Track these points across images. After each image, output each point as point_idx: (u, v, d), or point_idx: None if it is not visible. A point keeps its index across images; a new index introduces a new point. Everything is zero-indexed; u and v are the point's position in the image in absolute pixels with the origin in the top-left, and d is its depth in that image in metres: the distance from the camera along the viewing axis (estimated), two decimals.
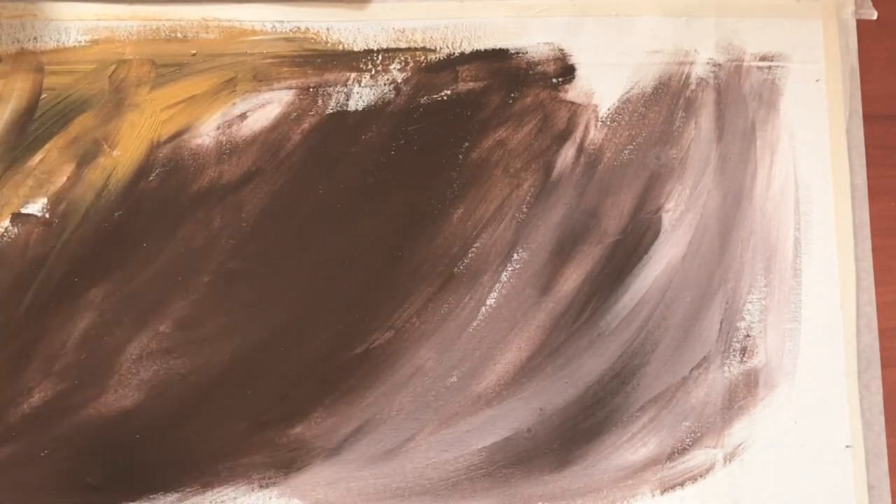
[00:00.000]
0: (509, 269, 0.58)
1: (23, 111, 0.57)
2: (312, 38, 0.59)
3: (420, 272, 0.58)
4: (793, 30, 0.61)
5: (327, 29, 0.59)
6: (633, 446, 0.57)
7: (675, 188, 0.59)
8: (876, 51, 0.61)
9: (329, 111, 0.59)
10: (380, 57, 0.59)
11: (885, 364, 0.58)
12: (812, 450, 0.57)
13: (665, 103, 0.60)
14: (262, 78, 0.59)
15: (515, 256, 0.58)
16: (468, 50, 0.60)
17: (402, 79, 0.59)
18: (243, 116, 0.58)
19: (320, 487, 0.56)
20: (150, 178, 0.57)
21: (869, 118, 0.60)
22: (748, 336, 0.58)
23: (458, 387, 0.57)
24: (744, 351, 0.58)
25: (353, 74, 0.59)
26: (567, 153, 0.59)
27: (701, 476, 0.57)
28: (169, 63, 0.58)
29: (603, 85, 0.60)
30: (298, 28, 0.59)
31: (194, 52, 0.58)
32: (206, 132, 0.58)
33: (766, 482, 0.57)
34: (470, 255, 0.58)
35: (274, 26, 0.59)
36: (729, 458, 0.57)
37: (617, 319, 0.58)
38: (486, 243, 0.58)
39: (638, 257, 0.59)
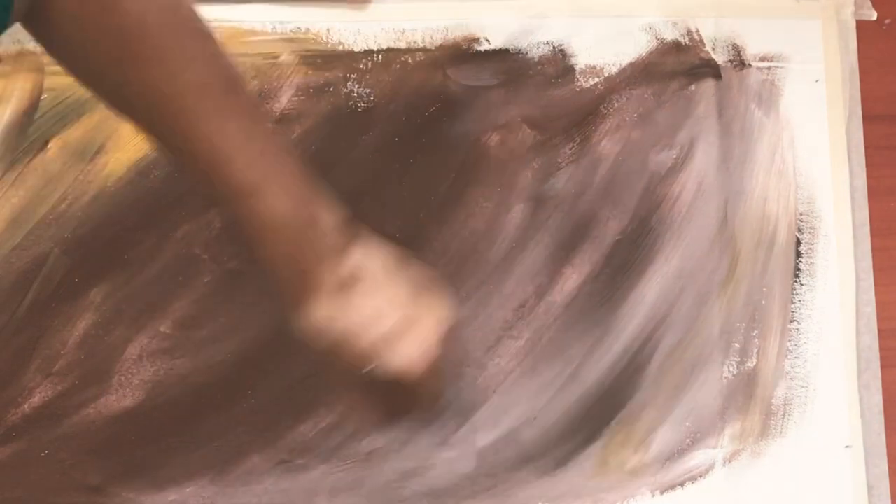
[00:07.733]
0: (510, 268, 0.58)
1: (23, 112, 0.57)
2: (313, 39, 0.59)
3: None
4: (792, 30, 0.61)
5: (327, 29, 0.59)
6: (633, 446, 0.57)
7: (676, 188, 0.59)
8: (876, 51, 0.61)
9: (329, 111, 0.59)
10: (380, 57, 0.59)
11: (885, 364, 0.58)
12: (812, 450, 0.57)
13: (665, 104, 0.60)
14: (262, 78, 0.59)
15: (516, 256, 0.58)
16: (468, 50, 0.60)
17: (402, 79, 0.59)
18: None
19: (320, 488, 0.56)
20: (150, 179, 0.57)
21: (869, 118, 0.60)
22: (748, 336, 0.58)
23: (458, 386, 0.57)
24: (743, 351, 0.58)
25: (354, 74, 0.59)
26: (567, 153, 0.59)
27: (701, 476, 0.57)
28: None
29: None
30: (299, 28, 0.59)
31: None
32: None
33: (765, 482, 0.57)
34: (470, 255, 0.58)
35: (274, 27, 0.59)
36: (728, 458, 0.57)
37: (617, 320, 0.58)
38: (486, 243, 0.58)
39: (638, 257, 0.58)
